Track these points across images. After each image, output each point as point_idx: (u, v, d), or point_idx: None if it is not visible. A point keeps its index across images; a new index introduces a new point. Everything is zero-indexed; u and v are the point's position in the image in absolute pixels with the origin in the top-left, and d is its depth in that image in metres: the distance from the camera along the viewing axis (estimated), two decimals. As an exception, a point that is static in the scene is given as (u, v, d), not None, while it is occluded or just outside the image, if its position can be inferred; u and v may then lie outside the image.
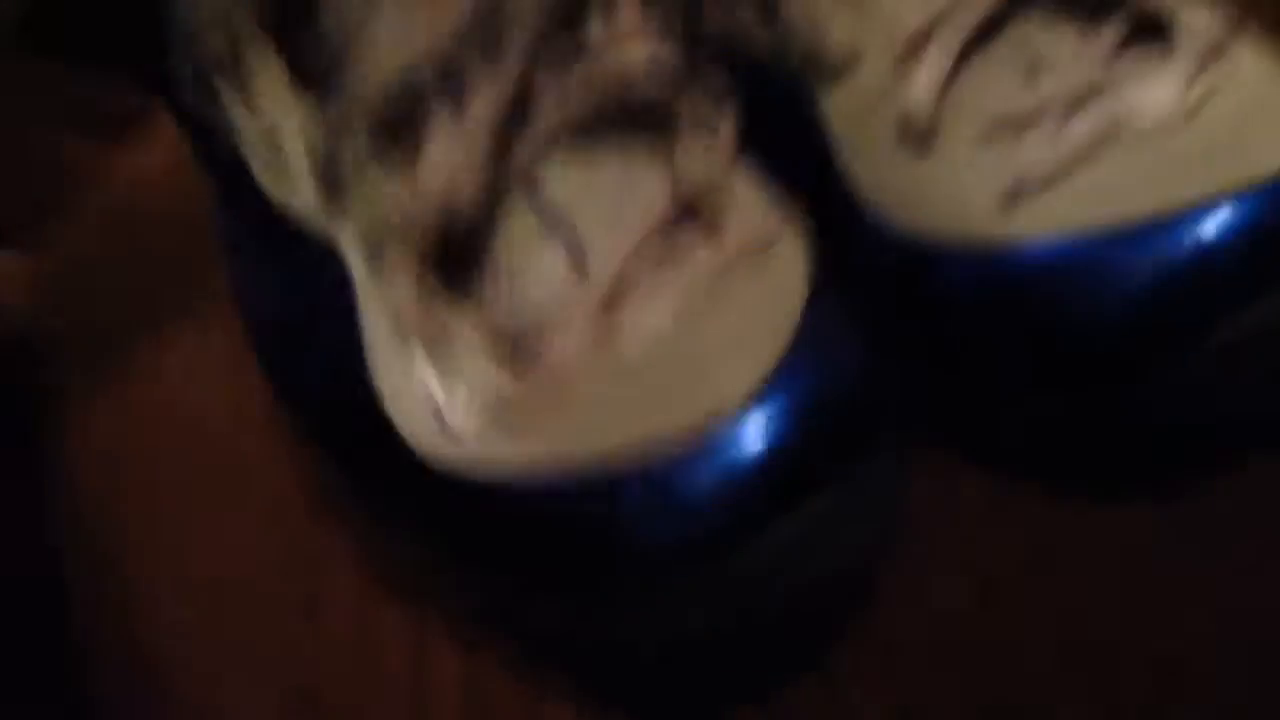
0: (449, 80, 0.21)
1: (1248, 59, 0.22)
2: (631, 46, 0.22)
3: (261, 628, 0.25)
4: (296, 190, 0.22)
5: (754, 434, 0.19)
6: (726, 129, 0.22)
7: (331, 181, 0.21)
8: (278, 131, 0.22)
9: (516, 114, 0.21)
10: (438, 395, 0.20)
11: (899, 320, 0.23)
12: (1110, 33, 0.23)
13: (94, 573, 0.27)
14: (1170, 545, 0.23)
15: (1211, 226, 0.20)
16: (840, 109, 0.23)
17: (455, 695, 0.23)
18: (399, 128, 0.20)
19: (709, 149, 0.22)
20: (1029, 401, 0.23)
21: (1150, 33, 0.23)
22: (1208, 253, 0.20)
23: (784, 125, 0.24)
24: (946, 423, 0.24)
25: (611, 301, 0.20)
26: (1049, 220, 0.21)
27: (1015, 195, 0.21)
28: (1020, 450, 0.24)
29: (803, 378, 0.19)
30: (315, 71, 0.21)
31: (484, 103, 0.21)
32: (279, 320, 0.24)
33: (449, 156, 0.20)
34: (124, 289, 0.33)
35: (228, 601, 0.25)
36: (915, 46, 0.23)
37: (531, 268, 0.21)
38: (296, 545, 0.26)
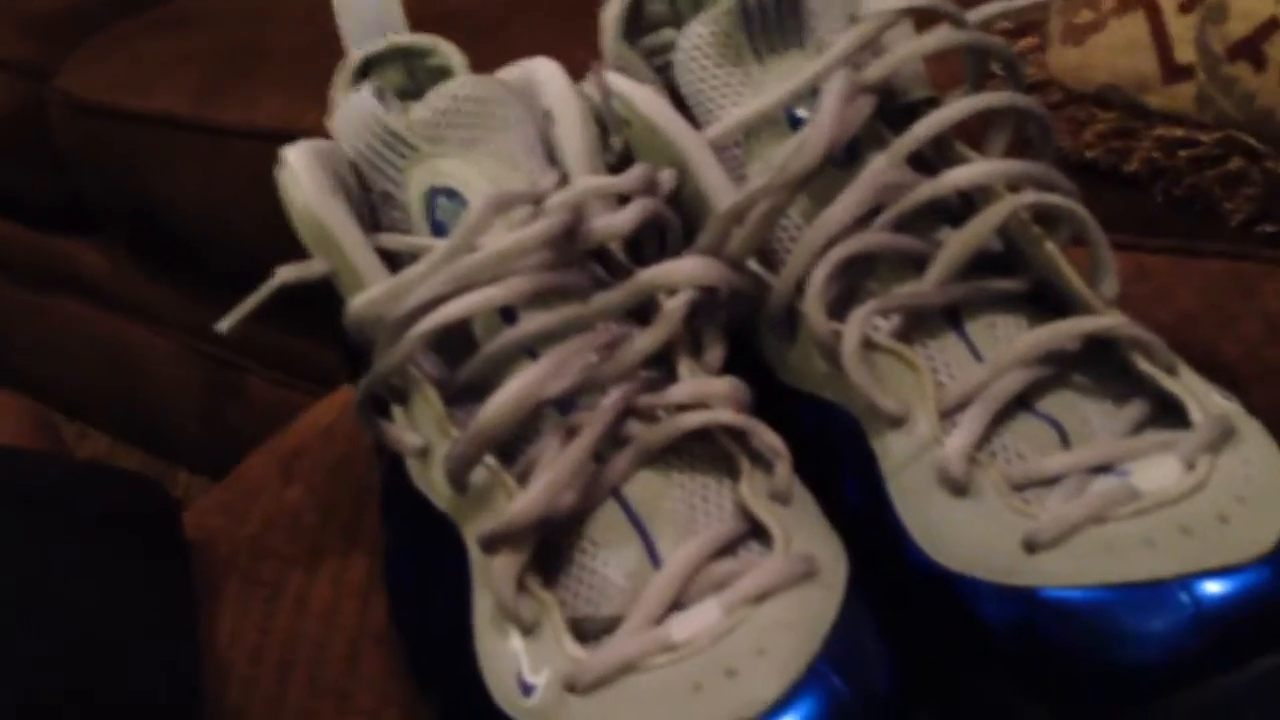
0: (563, 414, 0.26)
1: (1253, 444, 0.25)
2: (713, 388, 0.27)
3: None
4: (436, 491, 0.27)
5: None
6: (783, 467, 0.26)
7: (460, 489, 0.26)
8: (429, 449, 0.27)
9: (613, 438, 0.26)
10: (524, 667, 0.24)
11: (929, 641, 0.26)
12: (1133, 411, 0.27)
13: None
14: None
15: (1207, 594, 0.23)
16: (890, 452, 0.27)
17: None
18: (516, 451, 0.26)
19: (771, 482, 0.26)
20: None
21: (1169, 413, 0.26)
22: (1203, 618, 0.23)
23: (847, 453, 0.29)
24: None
25: (676, 595, 0.24)
26: (1063, 571, 0.24)
27: (1033, 545, 0.24)
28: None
29: (829, 682, 0.23)
30: (460, 404, 0.26)
31: (588, 432, 0.26)
32: (413, 575, 0.29)
33: (555, 477, 0.25)
34: (284, 514, 0.39)
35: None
36: (955, 410, 0.27)
37: (613, 558, 0.26)
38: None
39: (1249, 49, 0.50)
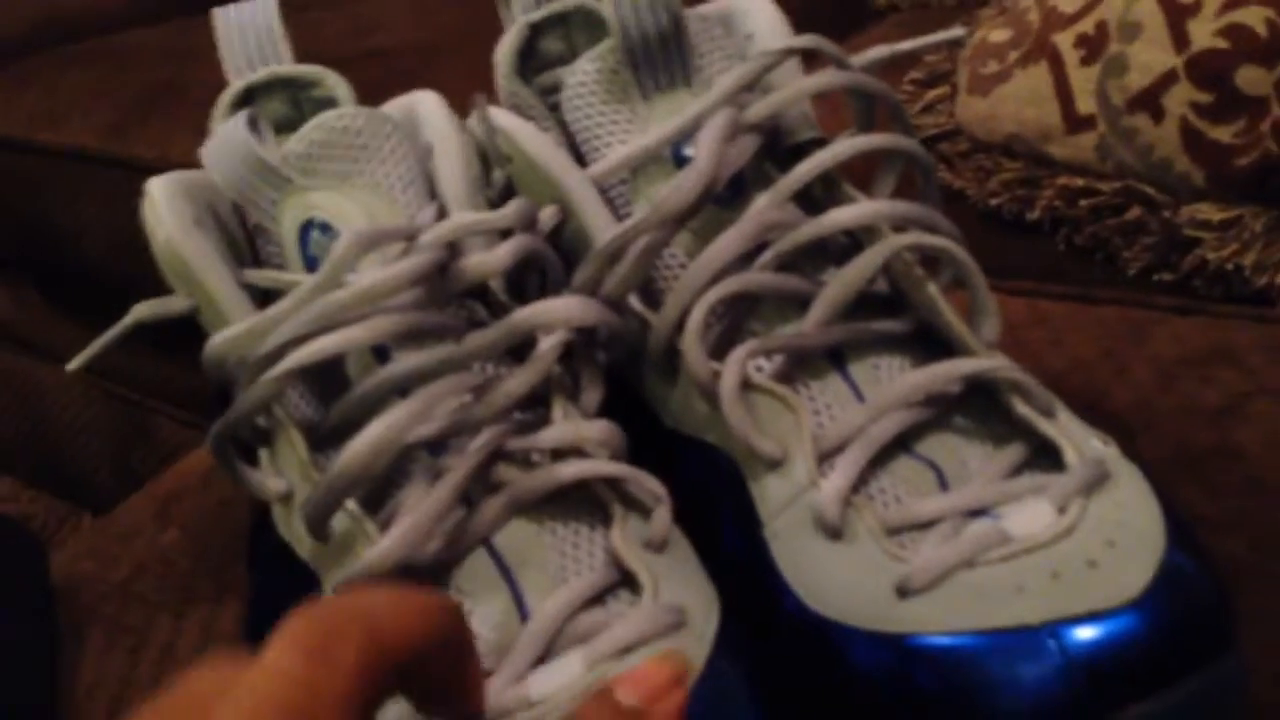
0: (435, 457, 0.25)
1: (1126, 488, 0.25)
2: (586, 431, 0.26)
3: None
4: (298, 539, 0.26)
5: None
6: (663, 513, 0.25)
7: (319, 537, 0.25)
8: (292, 495, 0.26)
9: (483, 482, 0.26)
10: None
11: (802, 690, 0.25)
12: (1011, 454, 0.26)
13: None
14: None
15: (1075, 640, 0.22)
16: (768, 496, 0.27)
17: None
18: (385, 496, 0.25)
19: (645, 529, 0.25)
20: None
21: (1047, 456, 0.26)
22: (1070, 665, 0.22)
23: (726, 497, 0.28)
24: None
25: (541, 650, 0.23)
26: (933, 618, 0.23)
27: (905, 591, 0.24)
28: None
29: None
30: (331, 446, 0.25)
31: (452, 476, 0.25)
32: (275, 627, 0.28)
33: (415, 522, 0.24)
34: (157, 559, 0.37)
35: None
36: (834, 453, 0.26)
37: (481, 610, 0.25)
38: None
39: (1148, 101, 0.51)
